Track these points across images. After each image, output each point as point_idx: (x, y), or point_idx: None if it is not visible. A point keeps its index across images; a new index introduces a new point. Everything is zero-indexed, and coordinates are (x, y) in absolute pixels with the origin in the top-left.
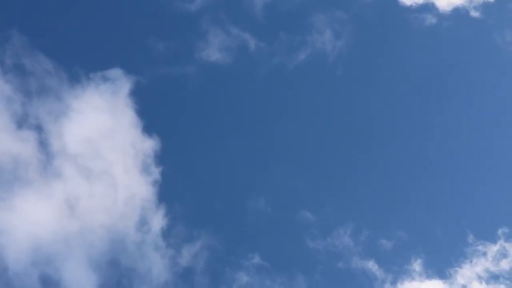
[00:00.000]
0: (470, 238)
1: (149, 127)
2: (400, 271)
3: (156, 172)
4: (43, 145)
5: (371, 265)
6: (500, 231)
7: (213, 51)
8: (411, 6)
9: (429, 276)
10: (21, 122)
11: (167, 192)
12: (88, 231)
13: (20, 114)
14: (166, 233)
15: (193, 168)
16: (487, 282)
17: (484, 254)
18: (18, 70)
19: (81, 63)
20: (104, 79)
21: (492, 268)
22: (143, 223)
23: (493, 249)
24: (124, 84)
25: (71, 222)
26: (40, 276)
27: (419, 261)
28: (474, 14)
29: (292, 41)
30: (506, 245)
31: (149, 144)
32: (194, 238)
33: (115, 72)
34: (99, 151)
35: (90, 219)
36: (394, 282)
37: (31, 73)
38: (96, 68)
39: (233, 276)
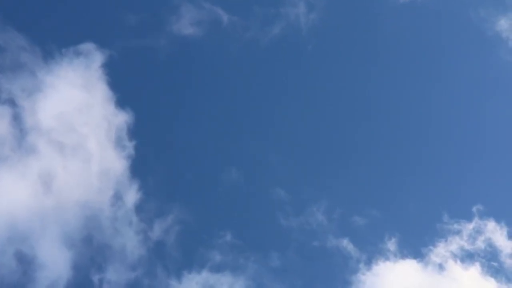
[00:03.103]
0: (445, 216)
1: (122, 100)
2: (374, 251)
3: (129, 146)
4: (17, 121)
5: (346, 244)
6: (475, 209)
7: (185, 25)
8: None
9: (403, 256)
10: None
11: (141, 166)
12: (62, 207)
13: None
14: (139, 208)
15: (166, 142)
16: (462, 261)
17: (459, 232)
18: None
19: (52, 38)
20: (77, 54)
21: (467, 247)
22: (117, 198)
23: (468, 227)
24: (96, 58)
25: (45, 198)
26: (15, 253)
27: (393, 240)
28: None
29: (265, 15)
30: (481, 223)
31: (123, 118)
32: (166, 212)
33: (87, 46)
34: (73, 126)
35: (64, 195)
36: (368, 262)
37: (4, 49)
38: (68, 43)
39: (207, 255)
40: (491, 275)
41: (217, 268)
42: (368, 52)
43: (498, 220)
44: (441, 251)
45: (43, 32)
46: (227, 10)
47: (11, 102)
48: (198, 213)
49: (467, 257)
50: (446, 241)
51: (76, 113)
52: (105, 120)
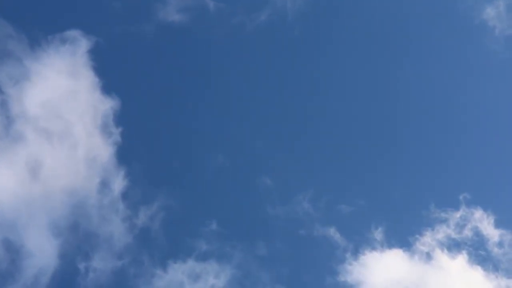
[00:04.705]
0: (432, 205)
1: (108, 87)
2: (361, 240)
3: (116, 133)
4: (3, 108)
5: (333, 233)
6: (461, 197)
7: (172, 11)
8: None
9: (390, 246)
10: None
11: (127, 153)
12: (49, 195)
13: None
14: (126, 195)
15: (153, 128)
16: (449, 250)
17: (446, 221)
18: None
19: (39, 25)
20: (63, 41)
21: (454, 235)
22: (103, 185)
23: (455, 215)
24: (82, 45)
25: (32, 185)
26: (2, 241)
27: (380, 229)
28: None
29: (252, 1)
30: (468, 211)
31: (109, 104)
32: (152, 199)
33: (73, 33)
34: (60, 113)
35: (51, 183)
36: (355, 251)
37: None
38: (54, 30)
39: (192, 244)
40: (478, 264)
41: (203, 257)
42: (354, 38)
43: (485, 209)
44: (428, 240)
45: (29, 20)
46: None
47: None
48: (184, 202)
49: (454, 246)
50: (433, 230)
51: (63, 100)
52: (91, 106)
